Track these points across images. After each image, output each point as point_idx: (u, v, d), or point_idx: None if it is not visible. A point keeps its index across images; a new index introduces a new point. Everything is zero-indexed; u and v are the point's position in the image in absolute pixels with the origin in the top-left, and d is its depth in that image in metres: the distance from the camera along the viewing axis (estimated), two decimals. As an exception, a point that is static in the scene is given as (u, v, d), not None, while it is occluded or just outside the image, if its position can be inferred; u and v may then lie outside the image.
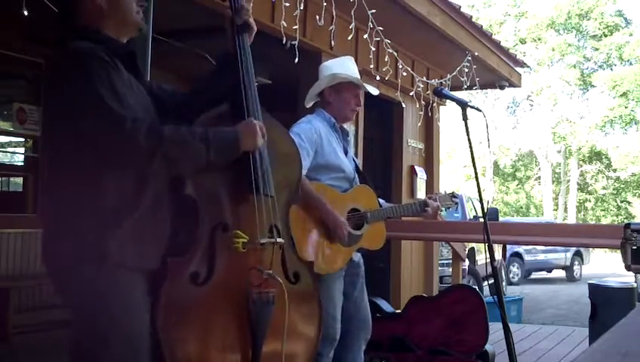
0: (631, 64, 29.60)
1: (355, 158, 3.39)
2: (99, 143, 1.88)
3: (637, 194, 32.52)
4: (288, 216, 2.41)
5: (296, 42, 4.32)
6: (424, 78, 6.43)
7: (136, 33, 2.16)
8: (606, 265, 21.66)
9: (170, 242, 2.03)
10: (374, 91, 3.39)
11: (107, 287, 1.86)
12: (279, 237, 2.23)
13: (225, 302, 2.14)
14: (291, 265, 2.31)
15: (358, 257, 3.28)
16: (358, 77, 3.26)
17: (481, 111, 2.85)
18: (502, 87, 8.15)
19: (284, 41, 4.21)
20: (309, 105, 3.34)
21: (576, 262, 16.93)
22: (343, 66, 3.25)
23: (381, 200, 3.38)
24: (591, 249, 17.82)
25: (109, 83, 1.89)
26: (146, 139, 1.84)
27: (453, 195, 3.46)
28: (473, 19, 6.58)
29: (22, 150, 7.30)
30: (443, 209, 3.45)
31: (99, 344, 1.85)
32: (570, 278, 16.69)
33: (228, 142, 2.05)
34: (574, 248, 16.10)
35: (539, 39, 30.12)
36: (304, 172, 2.95)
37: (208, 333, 2.11)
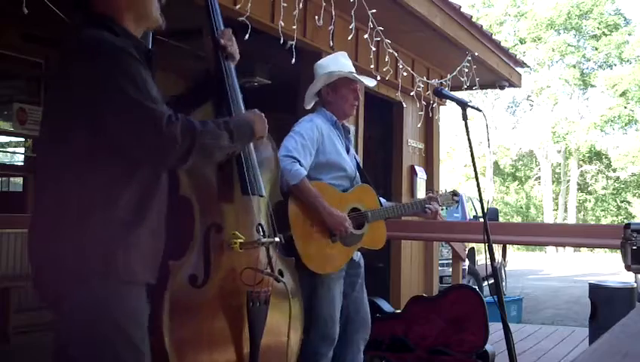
0: (630, 63, 29.62)
1: (356, 156, 3.39)
2: (129, 142, 1.73)
3: (637, 194, 32.54)
4: (270, 215, 2.43)
5: (294, 42, 4.30)
6: (424, 78, 6.42)
7: (150, 30, 2.05)
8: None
9: (167, 243, 1.91)
10: (371, 83, 3.38)
11: (116, 302, 1.72)
12: (275, 236, 2.28)
13: (223, 303, 2.16)
14: (276, 263, 2.35)
15: (358, 257, 3.28)
16: (353, 71, 3.25)
17: (481, 111, 2.86)
18: (502, 87, 8.14)
19: (281, 41, 4.20)
20: (308, 106, 3.33)
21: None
22: (337, 63, 3.24)
23: (382, 200, 3.38)
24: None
25: (142, 80, 1.72)
26: (183, 136, 1.73)
27: (454, 193, 3.46)
28: (473, 19, 6.57)
29: (22, 150, 7.30)
30: (444, 207, 3.45)
31: (108, 356, 1.71)
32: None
33: (246, 128, 2.04)
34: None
35: (539, 39, 30.13)
36: (306, 171, 2.96)
37: (209, 335, 2.12)
